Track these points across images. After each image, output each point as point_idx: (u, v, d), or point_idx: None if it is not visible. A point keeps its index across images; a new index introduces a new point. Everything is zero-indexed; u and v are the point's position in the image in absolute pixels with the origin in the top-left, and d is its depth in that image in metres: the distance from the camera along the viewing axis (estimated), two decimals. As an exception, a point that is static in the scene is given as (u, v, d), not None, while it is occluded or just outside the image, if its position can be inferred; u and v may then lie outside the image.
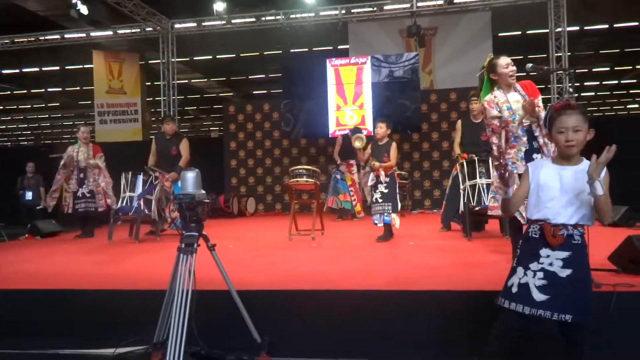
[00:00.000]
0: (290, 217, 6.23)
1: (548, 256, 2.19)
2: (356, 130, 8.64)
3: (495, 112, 3.79)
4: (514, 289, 2.23)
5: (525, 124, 3.74)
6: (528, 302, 2.17)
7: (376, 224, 5.66)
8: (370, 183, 5.74)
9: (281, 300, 3.13)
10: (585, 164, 2.24)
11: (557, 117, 2.25)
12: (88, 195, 6.89)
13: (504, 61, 3.89)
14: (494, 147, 3.81)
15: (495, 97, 3.86)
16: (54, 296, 3.42)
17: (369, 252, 4.84)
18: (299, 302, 3.12)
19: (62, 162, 6.98)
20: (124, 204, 6.30)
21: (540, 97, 3.81)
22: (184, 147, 6.93)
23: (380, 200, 5.57)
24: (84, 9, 9.62)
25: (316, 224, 6.13)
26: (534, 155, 3.67)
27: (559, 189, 2.22)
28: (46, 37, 12.89)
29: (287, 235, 6.03)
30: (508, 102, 3.81)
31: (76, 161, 6.93)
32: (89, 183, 6.94)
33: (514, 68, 3.88)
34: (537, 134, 3.70)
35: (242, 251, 5.16)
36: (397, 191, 5.68)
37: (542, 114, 3.64)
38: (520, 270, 2.25)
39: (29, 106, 22.07)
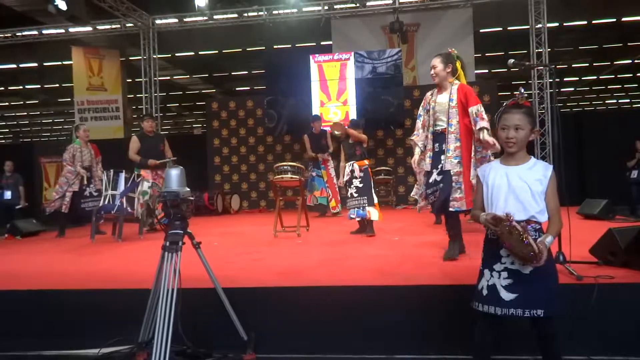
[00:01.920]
0: (275, 213, 6.21)
1: (508, 255, 2.22)
2: (316, 117, 9.12)
3: (422, 115, 4.12)
4: (484, 292, 2.26)
5: (438, 128, 3.95)
6: (498, 303, 2.20)
7: (352, 217, 5.82)
8: (345, 178, 5.91)
9: (267, 297, 3.13)
10: (532, 162, 2.29)
11: (503, 113, 2.30)
12: (95, 194, 6.89)
13: (430, 63, 4.02)
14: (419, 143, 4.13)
15: (431, 94, 4.08)
16: (37, 297, 3.37)
17: (354, 248, 4.85)
18: (285, 298, 3.12)
19: (67, 162, 6.94)
20: (106, 202, 6.24)
21: (478, 105, 3.83)
22: (168, 147, 7.23)
23: (355, 195, 5.76)
24: (62, 4, 9.41)
25: (301, 220, 6.13)
26: (442, 157, 3.90)
27: (506, 187, 2.25)
28: (23, 33, 12.63)
29: (273, 232, 6.01)
30: (435, 102, 3.99)
31: (80, 161, 6.92)
32: (95, 182, 7.00)
33: (435, 71, 3.96)
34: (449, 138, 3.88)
35: (227, 248, 5.13)
36: (372, 185, 5.85)
37: (482, 122, 3.75)
38: (486, 272, 2.28)
39: (7, 104, 21.62)
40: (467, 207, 3.79)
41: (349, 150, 5.93)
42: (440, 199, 3.88)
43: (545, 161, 10.10)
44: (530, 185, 2.22)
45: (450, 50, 4.16)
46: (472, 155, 3.84)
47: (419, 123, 4.19)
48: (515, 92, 2.38)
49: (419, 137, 4.16)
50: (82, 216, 7.04)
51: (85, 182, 6.97)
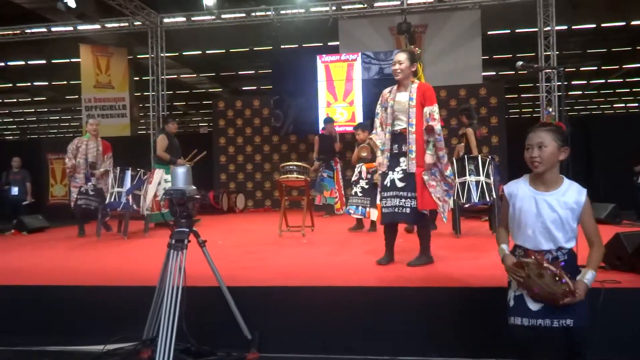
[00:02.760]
0: (280, 213, 6.21)
1: None
2: (329, 120, 9.11)
3: (380, 112, 3.94)
4: (511, 303, 2.22)
5: (397, 128, 3.79)
6: (525, 314, 2.16)
7: (350, 213, 6.14)
8: (353, 178, 6.21)
9: (271, 297, 3.12)
10: (565, 186, 2.19)
11: (527, 135, 2.23)
12: (92, 193, 6.52)
13: (394, 58, 3.85)
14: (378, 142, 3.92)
15: (389, 91, 3.93)
16: (42, 293, 3.38)
17: (360, 249, 4.84)
18: (290, 298, 3.11)
19: (67, 155, 6.71)
20: (112, 199, 6.25)
21: (433, 106, 3.71)
22: None
23: (360, 194, 6.05)
24: (71, 2, 9.45)
25: (306, 220, 6.12)
26: (401, 159, 3.75)
27: (534, 216, 2.17)
28: (32, 30, 12.69)
29: (277, 232, 6.02)
30: (395, 100, 3.83)
31: (84, 155, 6.65)
32: (98, 181, 6.65)
33: (400, 67, 3.77)
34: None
35: (232, 247, 5.14)
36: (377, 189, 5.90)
37: (436, 126, 3.66)
38: (513, 283, 2.24)
39: (15, 100, 21.75)
40: (420, 208, 3.69)
41: (360, 153, 6.24)
42: (407, 206, 3.72)
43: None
44: (562, 215, 2.13)
45: (415, 49, 4.10)
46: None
47: (377, 121, 3.98)
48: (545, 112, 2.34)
49: (377, 136, 3.95)
50: (77, 212, 6.61)
51: (84, 177, 6.63)
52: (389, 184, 3.80)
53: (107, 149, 6.92)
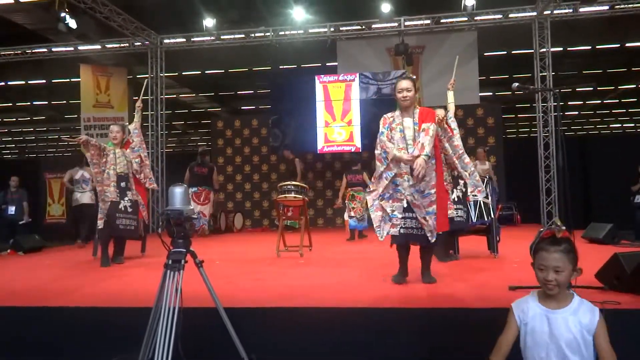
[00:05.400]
0: (278, 233, 6.19)
1: None
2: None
3: (385, 132, 3.91)
4: None
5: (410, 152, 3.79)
6: None
7: (352, 226, 8.25)
8: (348, 199, 8.28)
9: (268, 318, 3.10)
10: (575, 303, 2.05)
11: (539, 250, 2.07)
12: (130, 210, 5.67)
13: (401, 85, 3.91)
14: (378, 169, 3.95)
15: (392, 117, 3.97)
16: (38, 313, 3.34)
17: (357, 269, 4.82)
18: (287, 319, 3.08)
19: (89, 154, 5.78)
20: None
21: (430, 124, 3.81)
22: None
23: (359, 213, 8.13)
24: (72, 23, 9.57)
25: (304, 240, 6.10)
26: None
27: (547, 336, 2.03)
28: (33, 51, 12.80)
29: (275, 252, 5.99)
30: (402, 125, 3.90)
31: (114, 164, 5.69)
32: (132, 194, 5.75)
33: (409, 94, 3.85)
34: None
35: (229, 267, 5.11)
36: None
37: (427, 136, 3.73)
38: None
39: (14, 119, 21.80)
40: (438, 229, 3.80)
41: (354, 176, 8.31)
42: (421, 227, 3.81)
43: (549, 185, 10.12)
44: (576, 335, 1.99)
45: (412, 76, 4.21)
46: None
47: (383, 139, 3.91)
48: (552, 222, 2.20)
49: (391, 150, 3.88)
50: (113, 235, 5.70)
51: (118, 192, 5.66)
52: (402, 209, 3.84)
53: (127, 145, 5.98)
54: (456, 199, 5.05)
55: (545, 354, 2.01)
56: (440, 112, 4.47)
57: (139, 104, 6.28)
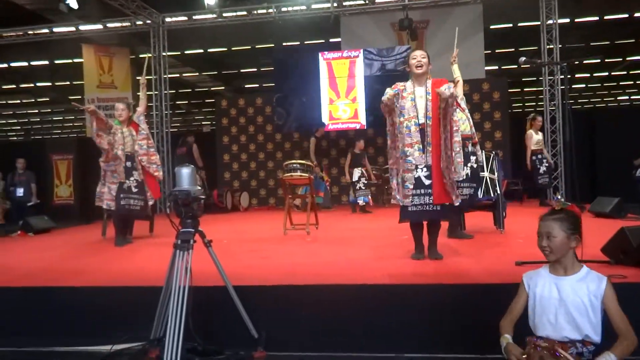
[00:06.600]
0: (284, 211, 6.23)
1: None
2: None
3: (390, 92, 3.86)
4: None
5: (422, 122, 3.81)
6: None
7: (358, 202, 8.97)
8: (355, 177, 9.06)
9: (277, 295, 3.14)
10: (583, 272, 2.15)
11: (539, 220, 2.22)
12: (135, 190, 5.61)
13: (415, 53, 3.93)
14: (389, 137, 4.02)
15: (403, 85, 3.94)
16: (49, 293, 3.41)
17: (364, 247, 4.85)
18: (295, 296, 3.12)
19: (94, 124, 5.56)
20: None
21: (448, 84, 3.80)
22: None
23: (363, 188, 9.03)
24: (73, 3, 9.49)
25: (311, 218, 6.14)
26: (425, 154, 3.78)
27: (557, 301, 2.11)
28: (35, 32, 12.72)
29: (282, 230, 6.03)
30: (414, 94, 3.87)
31: (122, 144, 5.60)
32: (138, 173, 5.68)
33: (423, 60, 3.84)
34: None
35: (236, 246, 5.16)
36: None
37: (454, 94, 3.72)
38: None
39: (18, 101, 21.79)
40: (435, 202, 3.79)
41: (360, 159, 9.20)
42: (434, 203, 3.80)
43: (556, 159, 10.07)
44: (583, 298, 2.06)
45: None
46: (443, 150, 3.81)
47: (384, 98, 3.87)
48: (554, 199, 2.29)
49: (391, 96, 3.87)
50: (116, 215, 5.62)
51: (123, 173, 5.59)
52: (414, 182, 3.81)
53: (136, 128, 5.93)
54: (465, 177, 5.02)
55: (554, 317, 2.09)
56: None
57: (142, 80, 6.24)
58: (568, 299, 2.08)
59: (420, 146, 3.79)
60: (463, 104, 4.73)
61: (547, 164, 8.69)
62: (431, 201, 3.78)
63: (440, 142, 3.81)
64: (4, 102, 21.81)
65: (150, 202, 5.91)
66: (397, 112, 3.88)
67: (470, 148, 5.06)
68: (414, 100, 3.84)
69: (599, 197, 7.12)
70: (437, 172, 3.79)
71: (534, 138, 8.73)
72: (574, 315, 2.06)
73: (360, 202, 8.91)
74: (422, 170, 3.80)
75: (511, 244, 4.74)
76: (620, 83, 21.18)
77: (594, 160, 10.55)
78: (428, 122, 3.80)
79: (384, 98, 3.86)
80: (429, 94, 3.82)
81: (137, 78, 12.99)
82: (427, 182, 3.78)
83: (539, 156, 8.74)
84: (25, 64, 16.12)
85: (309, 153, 9.89)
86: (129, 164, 5.66)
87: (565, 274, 2.16)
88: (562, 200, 2.27)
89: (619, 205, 6.58)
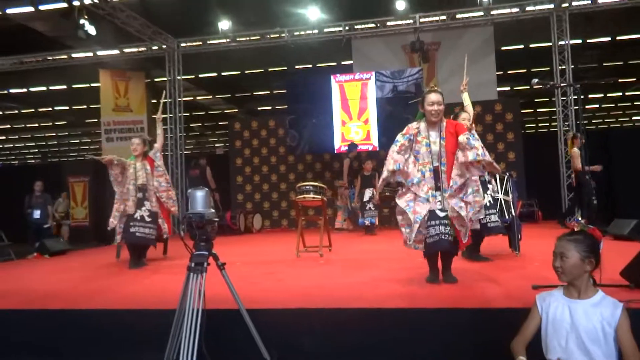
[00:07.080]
0: (297, 233, 6.22)
1: None
2: (352, 146, 9.95)
3: (401, 140, 3.85)
4: None
5: (436, 165, 3.77)
6: None
7: (365, 223, 9.06)
8: (366, 198, 9.07)
9: (290, 319, 3.12)
10: (598, 297, 2.10)
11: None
12: (148, 219, 5.74)
13: (432, 98, 3.82)
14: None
15: (417, 128, 3.89)
16: (63, 316, 3.42)
17: (378, 269, 4.81)
18: (308, 320, 3.10)
19: (111, 173, 5.93)
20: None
21: (467, 133, 3.74)
22: None
23: (372, 209, 9.05)
24: (91, 29, 9.74)
25: (324, 240, 6.12)
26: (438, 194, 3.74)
27: (568, 325, 2.06)
28: (54, 57, 13.05)
29: (295, 252, 6.01)
30: (428, 139, 3.84)
31: (134, 179, 5.84)
32: (151, 204, 5.84)
33: (440, 108, 3.80)
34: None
35: (249, 269, 5.15)
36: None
37: (476, 143, 3.68)
38: None
39: (36, 125, 22.26)
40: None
41: (370, 181, 9.07)
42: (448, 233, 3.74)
43: (570, 181, 9.95)
44: (596, 325, 2.01)
45: (432, 86, 4.14)
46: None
47: (394, 148, 3.87)
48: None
49: (402, 171, 3.84)
50: (128, 243, 5.78)
51: (133, 205, 5.75)
52: (428, 214, 3.75)
53: (151, 162, 6.09)
54: (488, 204, 4.97)
55: (565, 342, 2.04)
56: (465, 117, 4.43)
57: (159, 117, 6.43)
58: (580, 323, 2.03)
59: (434, 192, 3.76)
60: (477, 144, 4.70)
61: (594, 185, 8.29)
62: (447, 230, 3.71)
63: (452, 184, 3.74)
64: (23, 125, 22.28)
65: (165, 237, 6.05)
66: (412, 156, 3.86)
67: (487, 177, 5.05)
68: (429, 146, 3.81)
69: (617, 219, 7.00)
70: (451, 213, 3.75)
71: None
72: (584, 340, 2.00)
73: (367, 222, 9.02)
74: (438, 204, 3.76)
75: (527, 266, 4.67)
76: (635, 103, 21.02)
77: (610, 181, 10.41)
78: (442, 168, 3.77)
79: (395, 157, 3.82)
80: (444, 139, 3.80)
81: (152, 102, 13.24)
82: (441, 214, 3.74)
83: (588, 176, 8.30)
84: (44, 88, 16.50)
85: (322, 174, 9.98)
86: (140, 195, 5.83)
87: (579, 297, 2.11)
88: (583, 222, 2.24)
89: (637, 226, 6.46)
